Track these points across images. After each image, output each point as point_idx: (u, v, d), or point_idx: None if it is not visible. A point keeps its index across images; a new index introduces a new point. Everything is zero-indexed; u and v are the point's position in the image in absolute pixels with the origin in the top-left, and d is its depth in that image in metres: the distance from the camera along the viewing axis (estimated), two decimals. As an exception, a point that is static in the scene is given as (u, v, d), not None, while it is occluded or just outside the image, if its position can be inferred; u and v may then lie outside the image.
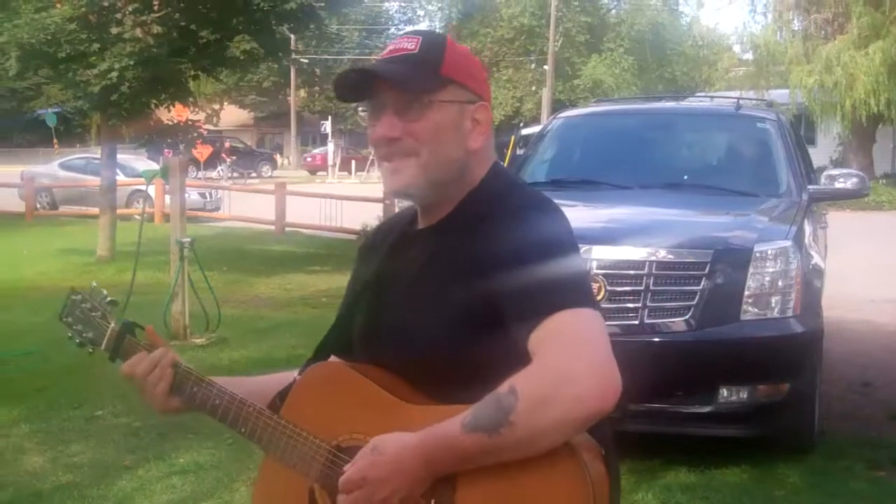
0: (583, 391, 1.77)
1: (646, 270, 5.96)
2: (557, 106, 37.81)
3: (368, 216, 17.74)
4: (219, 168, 47.76)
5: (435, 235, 2.12)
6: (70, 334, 2.44)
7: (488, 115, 2.12)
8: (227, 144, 55.12)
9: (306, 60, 53.55)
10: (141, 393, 2.27)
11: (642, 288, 5.94)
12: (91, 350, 2.41)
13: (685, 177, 7.85)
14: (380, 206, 19.46)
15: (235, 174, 48.15)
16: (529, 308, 1.88)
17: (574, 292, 1.90)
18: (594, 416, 1.79)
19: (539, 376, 1.80)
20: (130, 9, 14.88)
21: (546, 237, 1.96)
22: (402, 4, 71.46)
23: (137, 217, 19.11)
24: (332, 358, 2.24)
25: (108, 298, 2.41)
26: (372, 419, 1.99)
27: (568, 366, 1.79)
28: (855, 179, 7.54)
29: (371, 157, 40.33)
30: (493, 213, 2.03)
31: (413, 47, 2.08)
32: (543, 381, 1.79)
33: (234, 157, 51.57)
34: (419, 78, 2.04)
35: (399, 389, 2.02)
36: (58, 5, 14.99)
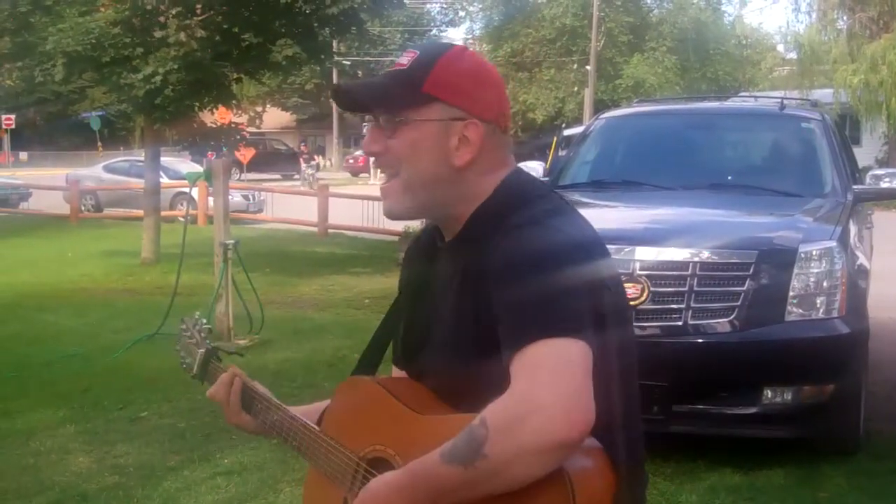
0: (546, 421, 1.74)
1: (689, 271, 5.93)
2: (599, 106, 37.74)
3: (410, 218, 17.73)
4: (305, 169, 48.01)
5: (450, 254, 2.12)
6: (182, 363, 2.63)
7: (479, 131, 2.04)
8: (303, 147, 55.41)
9: (348, 62, 53.47)
10: (224, 412, 2.45)
11: (686, 289, 5.91)
12: (192, 376, 2.58)
13: (729, 177, 7.81)
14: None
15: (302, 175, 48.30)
16: (511, 335, 1.86)
17: (560, 320, 1.84)
18: (561, 445, 1.75)
19: (505, 406, 1.78)
20: (173, 12, 14.96)
21: (540, 259, 1.91)
22: (444, 6, 71.44)
23: (181, 219, 19.25)
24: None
25: (205, 325, 2.58)
26: (392, 431, 2.04)
27: (534, 396, 1.76)
28: (901, 179, 7.48)
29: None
30: (495, 231, 1.99)
31: (406, 63, 2.06)
32: (509, 410, 1.77)
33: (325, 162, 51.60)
34: (395, 95, 2.04)
35: (421, 401, 2.06)
36: (101, 9, 15.09)
